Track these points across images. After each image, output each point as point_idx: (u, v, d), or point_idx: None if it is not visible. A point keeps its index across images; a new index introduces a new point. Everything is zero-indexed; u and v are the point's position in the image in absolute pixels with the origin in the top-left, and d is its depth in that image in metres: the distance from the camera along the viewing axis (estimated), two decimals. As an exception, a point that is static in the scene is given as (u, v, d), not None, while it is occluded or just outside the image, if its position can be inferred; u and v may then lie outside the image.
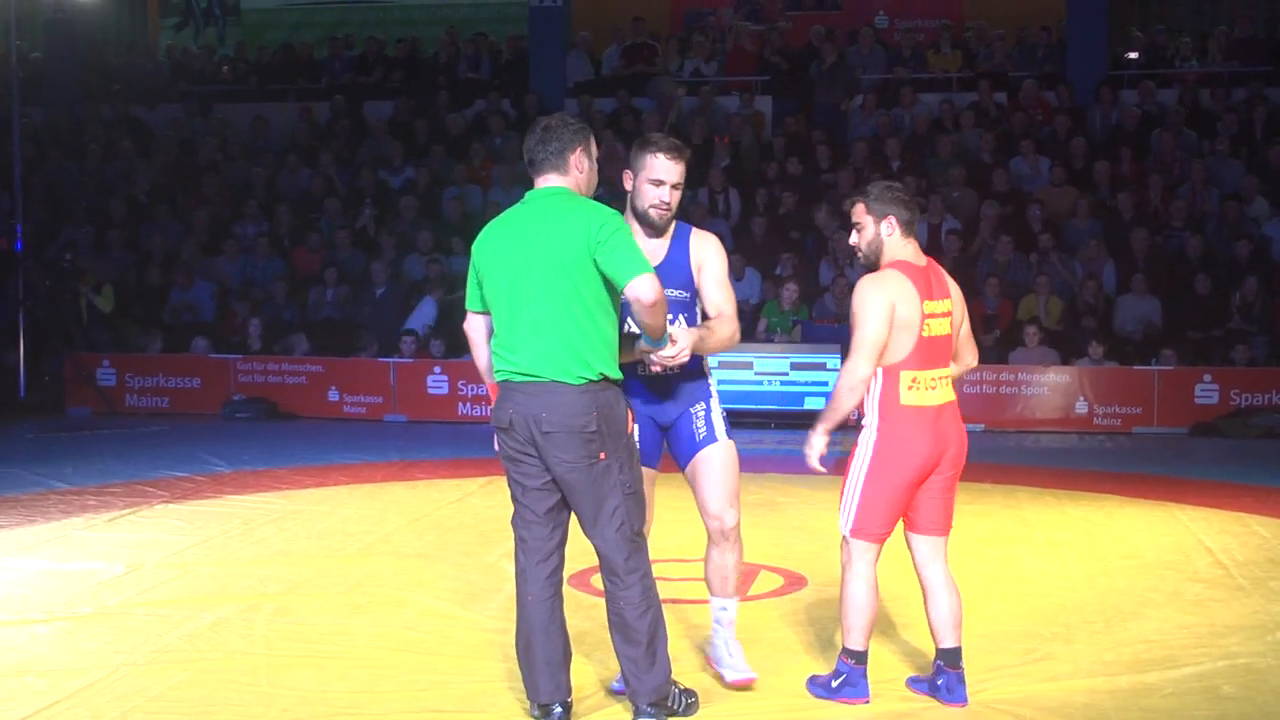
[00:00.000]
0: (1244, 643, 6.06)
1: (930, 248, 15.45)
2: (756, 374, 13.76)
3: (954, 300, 5.31)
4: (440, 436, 13.43)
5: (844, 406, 5.17)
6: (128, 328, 15.92)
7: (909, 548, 5.35)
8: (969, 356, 5.46)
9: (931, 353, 5.20)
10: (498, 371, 4.95)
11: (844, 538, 5.28)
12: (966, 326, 5.42)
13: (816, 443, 5.18)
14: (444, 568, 7.58)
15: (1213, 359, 14.06)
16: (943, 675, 5.30)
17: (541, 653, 4.95)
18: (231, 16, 23.65)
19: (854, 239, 5.37)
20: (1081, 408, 13.80)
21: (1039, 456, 12.36)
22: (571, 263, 4.79)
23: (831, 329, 14.12)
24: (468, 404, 14.43)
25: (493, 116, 18.14)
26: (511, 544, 5.07)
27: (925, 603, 5.34)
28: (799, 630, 6.32)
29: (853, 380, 5.14)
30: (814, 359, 13.81)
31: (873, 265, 5.32)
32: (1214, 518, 8.96)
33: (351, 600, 6.86)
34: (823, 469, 5.19)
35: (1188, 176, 15.95)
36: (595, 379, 4.84)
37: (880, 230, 5.28)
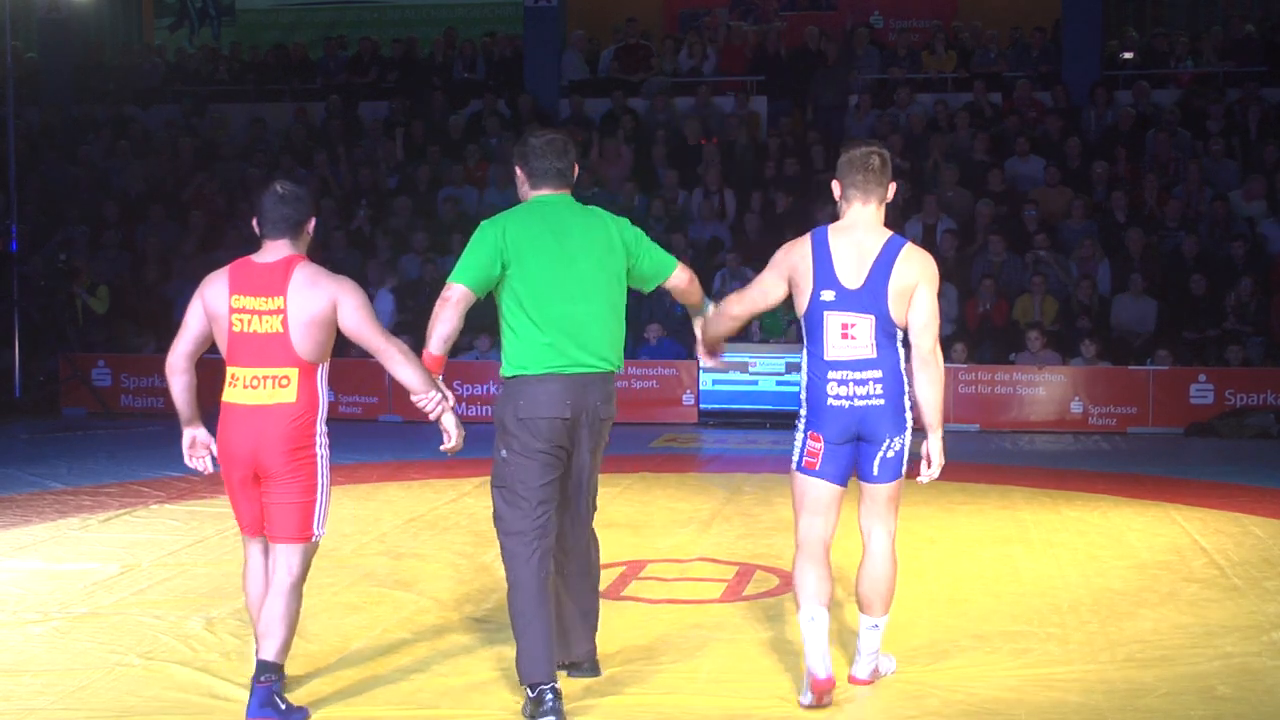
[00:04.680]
0: (1239, 643, 6.06)
1: (926, 247, 15.41)
2: (751, 374, 13.72)
3: (292, 300, 5.18)
4: (435, 437, 13.35)
5: None
6: (123, 328, 15.90)
7: None
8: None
9: (247, 350, 5.25)
10: (539, 363, 5.15)
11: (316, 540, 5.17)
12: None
13: None
14: (439, 568, 7.57)
15: (1208, 359, 14.08)
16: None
17: (542, 632, 5.07)
18: (226, 16, 23.64)
19: None
20: (1077, 408, 13.81)
21: (1034, 457, 12.35)
22: (613, 264, 5.27)
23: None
24: (462, 405, 14.39)
25: (488, 117, 18.14)
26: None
27: None
28: (795, 630, 6.31)
29: None
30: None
31: None
32: (1209, 518, 8.96)
33: (346, 600, 6.86)
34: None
35: (1183, 177, 15.97)
36: (619, 370, 5.33)
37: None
